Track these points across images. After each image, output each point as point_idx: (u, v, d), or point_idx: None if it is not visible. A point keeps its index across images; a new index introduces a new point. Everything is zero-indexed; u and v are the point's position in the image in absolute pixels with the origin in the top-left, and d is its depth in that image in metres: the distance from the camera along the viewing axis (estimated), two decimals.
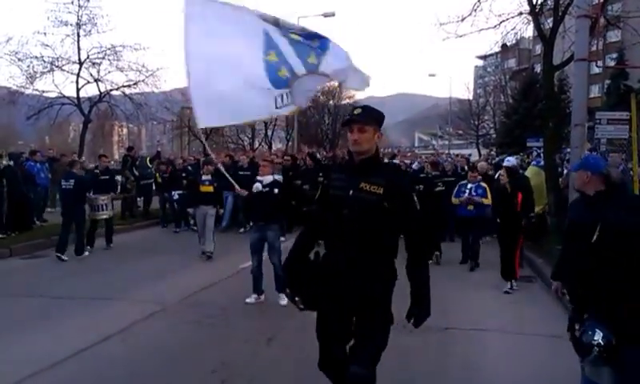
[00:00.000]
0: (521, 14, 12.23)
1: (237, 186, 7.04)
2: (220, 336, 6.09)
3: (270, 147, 36.79)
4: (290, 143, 36.15)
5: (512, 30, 14.04)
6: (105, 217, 11.57)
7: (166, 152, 15.67)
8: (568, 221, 3.90)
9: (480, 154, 37.60)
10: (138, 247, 12.07)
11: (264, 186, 7.31)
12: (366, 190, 3.26)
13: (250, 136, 38.38)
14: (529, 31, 12.93)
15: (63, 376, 4.93)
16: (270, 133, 39.24)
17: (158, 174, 15.66)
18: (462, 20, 13.18)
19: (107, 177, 12.45)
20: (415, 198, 3.39)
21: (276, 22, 5.60)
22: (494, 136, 46.73)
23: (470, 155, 26.38)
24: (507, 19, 12.74)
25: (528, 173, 11.54)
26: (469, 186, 10.20)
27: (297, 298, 3.55)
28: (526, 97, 40.22)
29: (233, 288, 8.19)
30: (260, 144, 38.13)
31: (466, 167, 13.47)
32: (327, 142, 42.62)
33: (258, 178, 7.47)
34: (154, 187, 16.31)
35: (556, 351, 5.27)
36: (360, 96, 54.24)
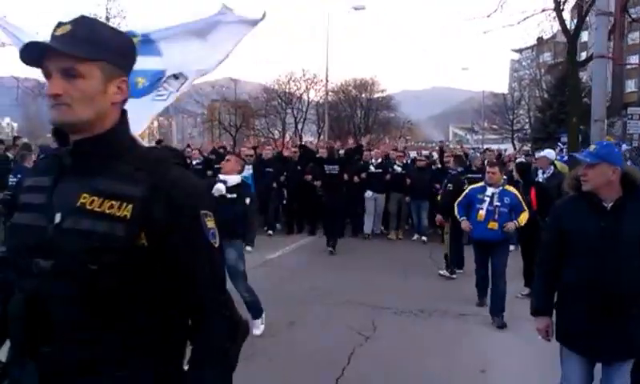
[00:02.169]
0: (543, 10, 12.16)
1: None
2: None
3: (300, 140, 37.13)
4: (321, 136, 36.34)
5: (538, 25, 13.99)
6: None
7: (196, 145, 15.99)
8: (557, 232, 3.11)
9: (515, 149, 37.08)
10: None
11: (228, 189, 5.60)
12: (91, 210, 1.44)
13: (280, 130, 38.68)
14: (557, 26, 12.81)
15: None
16: (300, 126, 39.50)
17: None
18: (489, 16, 13.25)
19: None
20: (208, 225, 1.58)
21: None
22: (529, 131, 46.00)
23: (505, 150, 25.96)
24: (532, 15, 12.72)
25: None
26: (489, 191, 6.66)
27: None
28: (560, 91, 39.43)
29: (259, 277, 8.50)
30: (291, 138, 38.41)
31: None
32: (359, 135, 42.67)
33: (221, 176, 5.77)
34: None
35: None
36: (393, 90, 54.23)
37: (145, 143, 3.02)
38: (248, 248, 8.25)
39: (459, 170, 9.76)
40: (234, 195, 5.61)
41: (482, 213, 6.55)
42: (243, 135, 32.98)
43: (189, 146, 15.44)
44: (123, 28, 21.77)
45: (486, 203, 6.57)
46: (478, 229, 6.62)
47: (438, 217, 9.05)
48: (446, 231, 8.90)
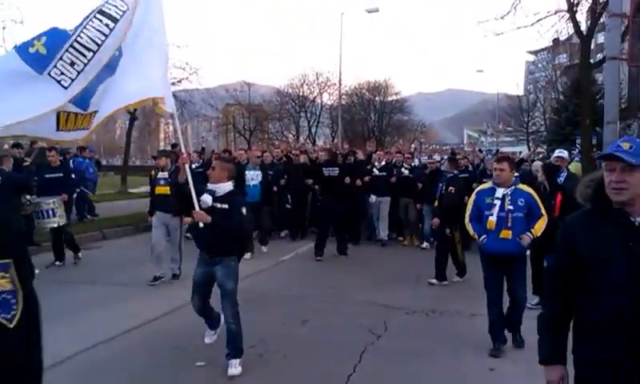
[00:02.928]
0: (557, 12, 12.17)
1: (197, 206, 4.89)
2: (259, 317, 6.52)
3: (313, 144, 37.29)
4: (334, 140, 36.45)
5: (552, 27, 13.98)
6: (54, 225, 9.33)
7: (211, 148, 16.12)
8: (570, 257, 2.39)
9: (530, 151, 36.84)
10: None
11: (216, 199, 4.92)
12: None
13: (294, 133, 38.88)
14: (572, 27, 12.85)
15: (118, 349, 5.61)
16: (313, 130, 39.63)
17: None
18: (502, 18, 13.28)
19: (59, 175, 10.05)
20: None
21: None
22: (545, 133, 45.70)
23: (520, 153, 25.76)
24: (545, 17, 12.73)
25: (571, 168, 11.09)
26: (498, 192, 5.47)
27: None
28: (576, 93, 39.11)
29: (273, 277, 8.85)
30: (305, 141, 38.58)
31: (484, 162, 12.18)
32: (373, 139, 42.67)
33: (210, 185, 5.05)
34: None
35: None
36: (407, 92, 54.18)
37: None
38: (247, 256, 8.17)
39: (455, 172, 8.91)
40: (226, 206, 4.89)
41: (493, 220, 5.37)
42: (257, 138, 33.24)
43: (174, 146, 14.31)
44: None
45: (497, 208, 5.38)
46: (488, 240, 5.42)
47: (435, 220, 8.56)
48: (458, 240, 8.34)
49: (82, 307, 6.97)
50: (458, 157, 11.70)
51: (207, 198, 4.89)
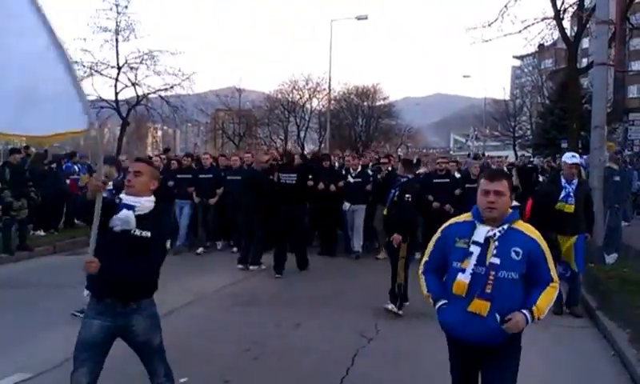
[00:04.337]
0: (544, 19, 12.36)
1: (91, 247, 3.33)
2: (252, 320, 6.65)
3: (302, 149, 37.37)
4: (322, 145, 36.56)
5: (538, 34, 14.18)
6: None
7: (200, 154, 16.12)
8: None
9: (517, 157, 37.20)
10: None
11: (139, 222, 3.34)
12: None
13: (282, 138, 38.95)
14: (558, 33, 13.08)
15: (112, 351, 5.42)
16: (302, 134, 39.73)
17: None
18: (490, 25, 13.46)
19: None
20: None
21: None
22: (531, 138, 46.14)
23: (506, 157, 26.00)
24: (532, 24, 12.91)
25: None
26: (480, 231, 3.10)
27: None
28: (562, 98, 39.54)
29: (264, 281, 8.86)
30: (292, 146, 38.66)
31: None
32: (360, 143, 42.82)
33: (124, 198, 3.44)
34: None
35: None
36: (395, 97, 54.45)
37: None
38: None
39: (410, 176, 7.48)
40: (148, 234, 3.34)
41: (463, 280, 3.08)
42: (246, 144, 33.30)
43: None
44: (132, 41, 21.54)
45: (473, 258, 3.09)
46: (448, 311, 3.23)
47: (395, 236, 6.87)
48: (402, 255, 6.90)
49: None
50: (442, 159, 11.10)
51: (129, 217, 3.32)
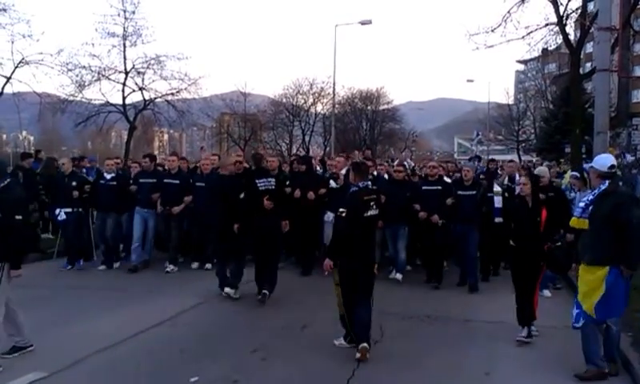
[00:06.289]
0: (547, 25, 12.45)
1: None
2: (260, 323, 6.80)
3: (307, 153, 37.43)
4: (327, 149, 36.65)
5: (541, 39, 14.27)
6: None
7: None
8: None
9: (520, 161, 37.14)
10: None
11: None
12: None
13: (287, 142, 39.05)
14: (561, 39, 13.19)
15: (124, 352, 5.74)
16: (307, 138, 39.82)
17: None
18: (493, 31, 13.55)
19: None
20: None
21: None
22: (535, 142, 46.11)
23: (510, 161, 25.81)
24: (535, 30, 13.01)
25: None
26: None
27: None
28: (565, 102, 39.56)
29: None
30: (298, 149, 38.75)
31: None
32: (365, 147, 42.81)
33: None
34: None
35: None
36: (399, 101, 54.50)
37: None
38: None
39: (360, 185, 5.87)
40: None
41: None
42: (251, 148, 33.48)
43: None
44: (139, 46, 21.63)
45: None
46: None
47: (327, 262, 5.83)
48: (336, 280, 5.92)
49: (84, 313, 7.10)
50: (432, 163, 9.71)
51: None
